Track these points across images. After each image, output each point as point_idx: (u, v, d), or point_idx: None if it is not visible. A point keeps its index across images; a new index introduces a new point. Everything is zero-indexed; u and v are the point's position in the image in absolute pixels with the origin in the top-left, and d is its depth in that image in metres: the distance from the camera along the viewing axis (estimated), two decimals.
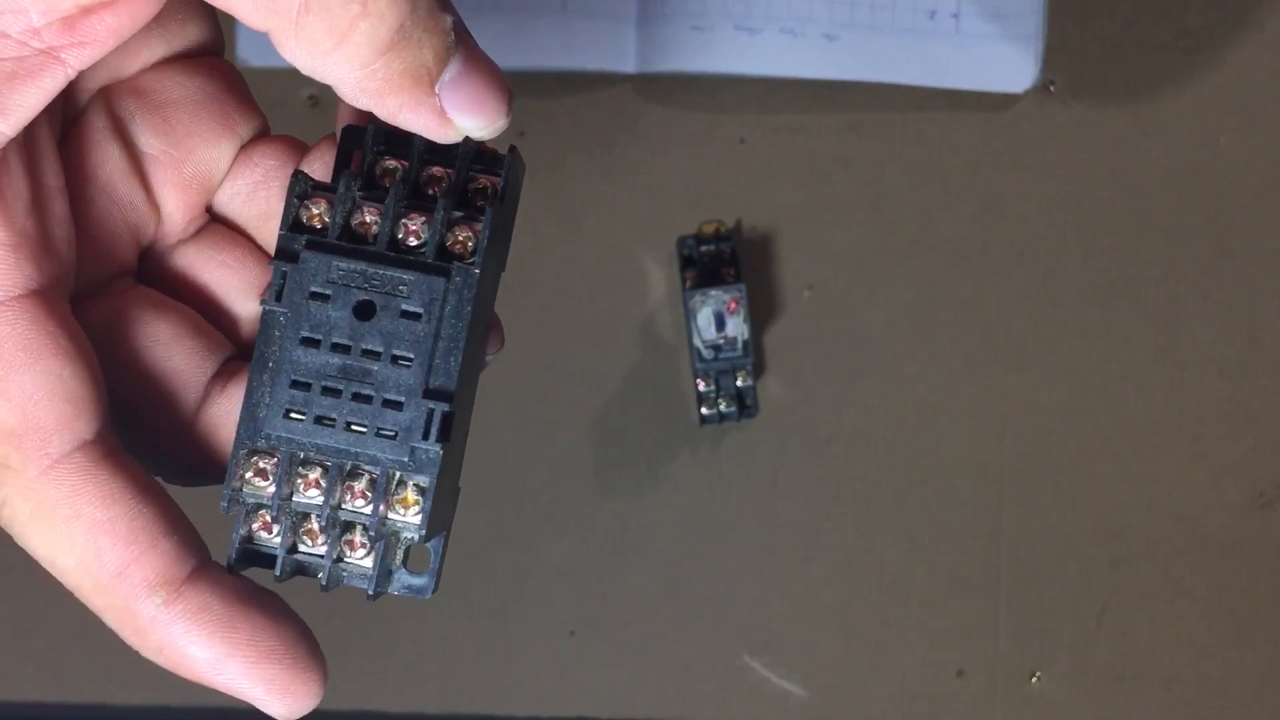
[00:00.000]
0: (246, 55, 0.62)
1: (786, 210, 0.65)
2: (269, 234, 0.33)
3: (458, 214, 0.31)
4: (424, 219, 0.31)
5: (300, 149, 0.33)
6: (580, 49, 0.64)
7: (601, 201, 0.65)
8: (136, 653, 0.31)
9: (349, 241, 0.31)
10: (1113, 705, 0.65)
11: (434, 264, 0.31)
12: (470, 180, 0.32)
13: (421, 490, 0.31)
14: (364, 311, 0.31)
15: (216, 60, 0.33)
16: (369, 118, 0.31)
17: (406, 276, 0.31)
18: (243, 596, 0.31)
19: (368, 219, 0.31)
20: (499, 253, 0.33)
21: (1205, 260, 0.64)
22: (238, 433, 0.31)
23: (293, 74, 0.30)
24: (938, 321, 0.64)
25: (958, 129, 0.64)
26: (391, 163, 0.32)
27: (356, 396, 0.30)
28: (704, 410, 0.63)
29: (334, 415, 0.30)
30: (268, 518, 0.31)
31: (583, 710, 0.65)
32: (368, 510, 0.31)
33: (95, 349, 0.30)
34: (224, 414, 0.32)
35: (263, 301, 0.31)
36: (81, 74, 0.29)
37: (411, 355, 0.30)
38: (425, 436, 0.30)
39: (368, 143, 0.32)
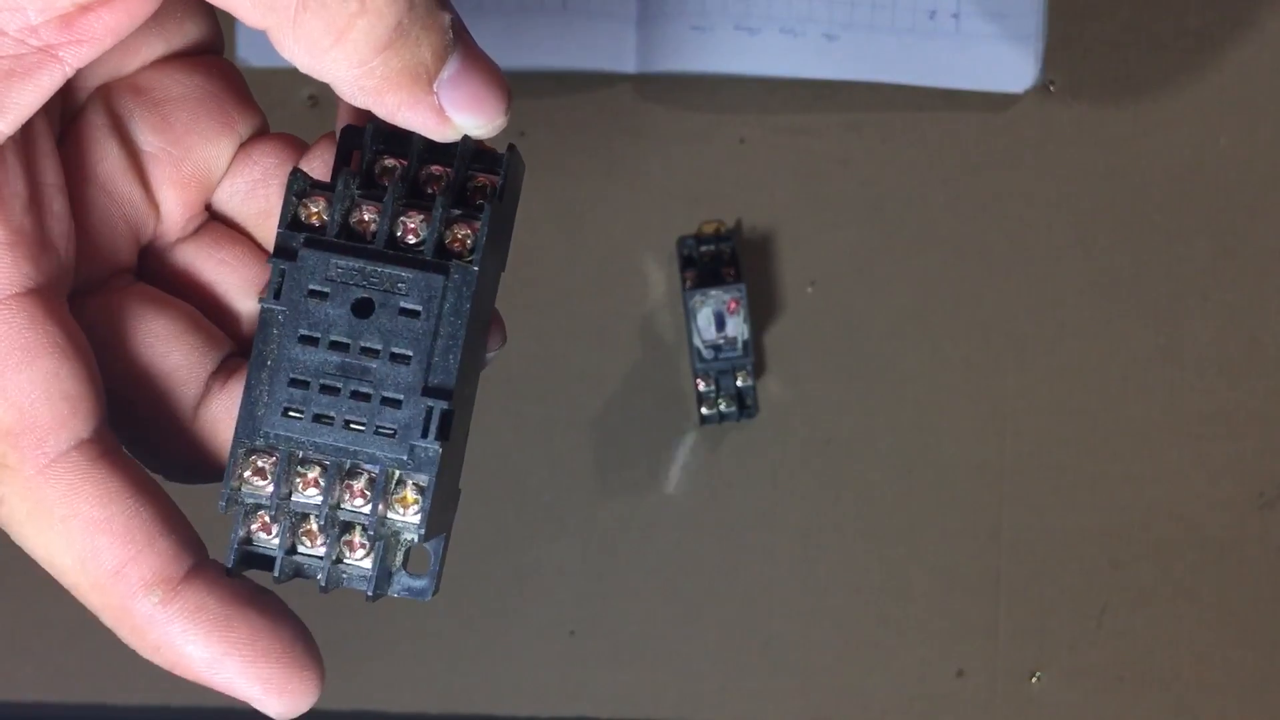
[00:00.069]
0: (246, 55, 0.62)
1: (786, 210, 0.65)
2: (268, 232, 0.33)
3: (456, 212, 0.31)
4: (423, 217, 0.31)
5: (299, 147, 0.33)
6: (580, 49, 0.64)
7: (601, 201, 0.65)
8: (136, 653, 0.31)
9: (348, 239, 0.31)
10: (1113, 705, 0.64)
11: (433, 261, 0.31)
12: (469, 179, 0.32)
13: (421, 489, 0.31)
14: (363, 309, 0.31)
15: (215, 59, 0.33)
16: (368, 117, 0.31)
17: (405, 274, 0.31)
18: (240, 596, 0.31)
19: (366, 217, 0.31)
20: (499, 251, 0.33)
21: (1205, 260, 0.64)
22: (236, 431, 0.31)
23: (293, 73, 0.30)
24: (938, 321, 0.64)
25: (958, 129, 0.64)
26: (390, 161, 0.32)
27: (355, 394, 0.30)
28: (704, 410, 0.63)
29: (332, 413, 0.30)
30: (266, 518, 0.31)
31: (583, 710, 0.65)
32: (366, 510, 0.31)
33: (94, 346, 0.30)
34: (223, 411, 0.32)
35: (261, 299, 0.31)
36: (80, 72, 0.29)
37: (410, 353, 0.30)
38: (424, 434, 0.30)
39: (366, 142, 0.32)
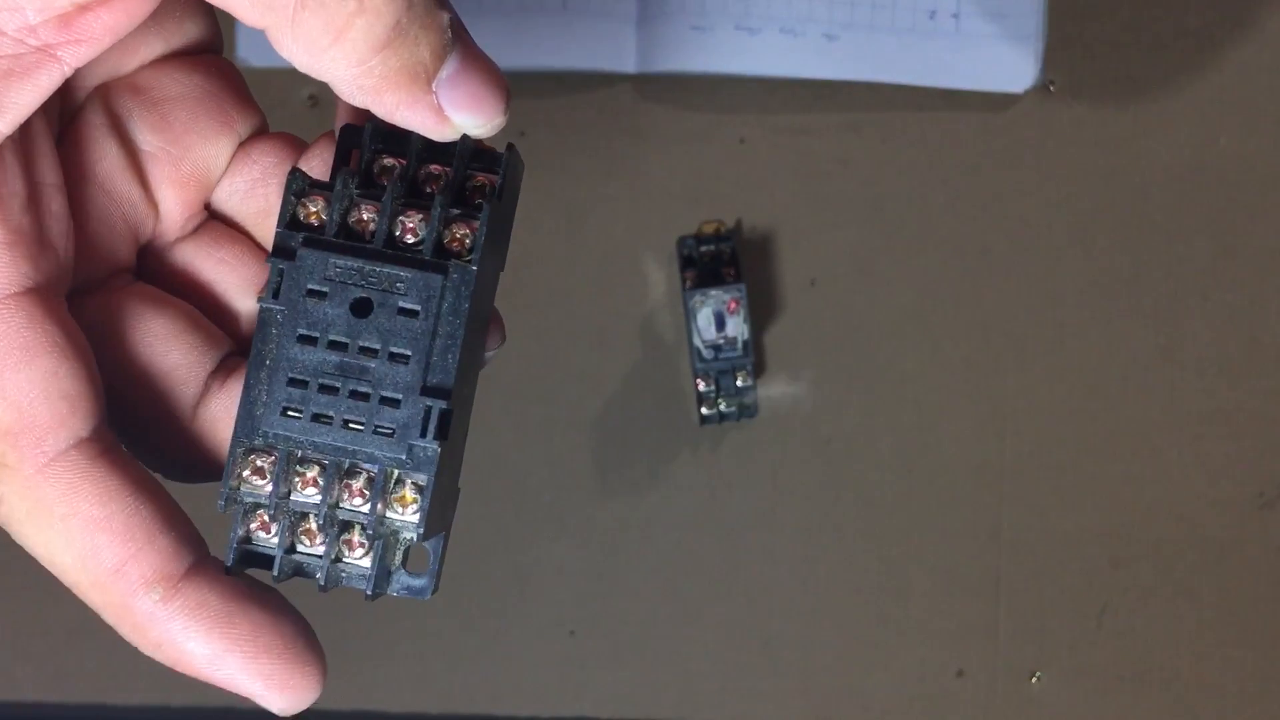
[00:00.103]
0: (246, 55, 0.62)
1: (786, 210, 0.65)
2: (267, 231, 0.33)
3: (455, 211, 0.31)
4: (421, 216, 0.31)
5: (298, 146, 0.33)
6: (580, 49, 0.64)
7: (601, 201, 0.65)
8: (136, 653, 0.31)
9: (346, 239, 0.31)
10: (1113, 705, 0.64)
11: (431, 261, 0.31)
12: (468, 178, 0.32)
13: (419, 488, 0.31)
14: (361, 309, 0.31)
15: (215, 58, 0.33)
16: (367, 117, 0.31)
17: (404, 273, 0.31)
18: (241, 592, 0.31)
19: (365, 216, 0.31)
20: (498, 251, 0.33)
21: (1205, 260, 0.64)
22: (235, 431, 0.31)
23: (293, 73, 0.30)
24: (938, 321, 0.64)
25: (958, 129, 0.64)
26: (389, 161, 0.32)
27: (354, 394, 0.30)
28: (704, 410, 0.63)
29: (331, 413, 0.30)
30: (265, 517, 0.31)
31: (583, 710, 0.65)
32: (365, 509, 0.31)
33: (93, 345, 0.31)
34: (223, 410, 0.32)
35: (260, 299, 0.31)
36: (79, 71, 0.29)
37: (409, 352, 0.30)
38: (423, 434, 0.30)
39: (365, 141, 0.32)
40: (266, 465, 0.31)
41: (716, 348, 0.61)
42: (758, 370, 0.64)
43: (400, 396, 0.30)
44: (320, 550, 0.31)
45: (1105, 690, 0.64)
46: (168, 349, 0.32)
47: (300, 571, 0.32)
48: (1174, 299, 0.64)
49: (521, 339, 0.64)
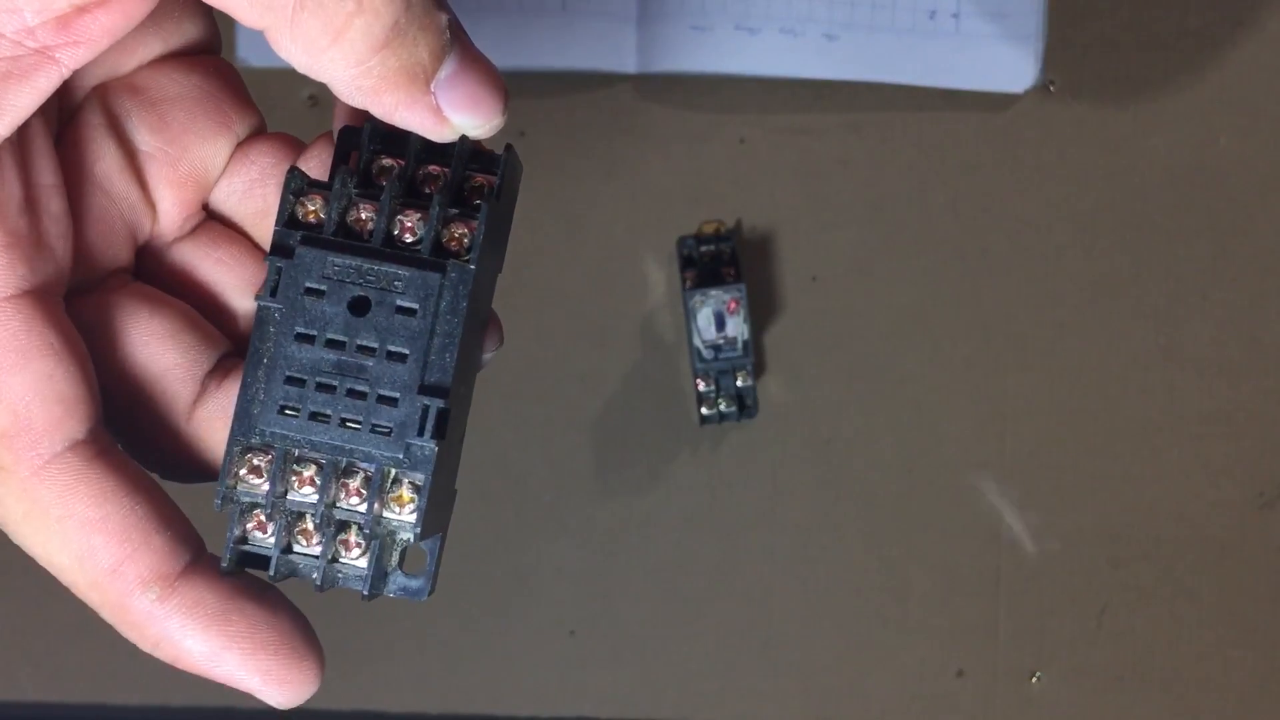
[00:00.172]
0: (246, 55, 0.62)
1: (786, 210, 0.65)
2: (265, 231, 0.33)
3: (453, 211, 0.31)
4: (420, 215, 0.31)
5: (297, 147, 0.34)
6: (580, 49, 0.64)
7: (601, 201, 0.65)
8: (136, 653, 0.31)
9: (345, 238, 0.31)
10: (1113, 705, 0.64)
11: (429, 260, 0.31)
12: (467, 179, 0.32)
13: (417, 488, 0.31)
14: (359, 307, 0.31)
15: (213, 58, 0.33)
16: (366, 117, 0.31)
17: (402, 272, 0.31)
18: (237, 589, 0.31)
19: (363, 215, 0.31)
20: (496, 251, 0.33)
21: (1205, 260, 0.64)
22: (232, 429, 0.31)
23: (293, 74, 0.30)
24: (938, 321, 0.64)
25: (958, 129, 0.64)
26: (388, 161, 0.32)
27: (351, 392, 0.30)
28: (704, 410, 0.63)
29: (328, 411, 0.30)
30: (262, 517, 0.31)
31: (583, 710, 0.65)
32: (362, 508, 0.31)
33: (91, 345, 0.31)
34: (220, 410, 0.32)
35: (258, 297, 0.31)
36: (77, 71, 0.29)
37: (407, 351, 0.30)
38: (420, 433, 0.30)
39: (364, 141, 0.32)
40: (263, 464, 0.31)
41: (716, 348, 0.61)
42: (758, 370, 0.64)
43: (398, 395, 0.30)
44: (317, 550, 0.31)
45: (1105, 690, 0.64)
46: (165, 349, 0.32)
47: (296, 572, 0.32)
48: (1174, 299, 0.64)
49: (521, 339, 0.64)
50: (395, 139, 0.32)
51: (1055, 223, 0.64)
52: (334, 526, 0.31)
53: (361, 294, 0.31)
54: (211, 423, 0.32)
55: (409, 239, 0.31)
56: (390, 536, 0.32)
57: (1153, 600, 0.64)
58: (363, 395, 0.30)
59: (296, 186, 0.31)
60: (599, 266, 0.65)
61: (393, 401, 0.30)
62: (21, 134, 0.29)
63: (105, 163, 0.32)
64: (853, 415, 0.65)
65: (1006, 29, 0.63)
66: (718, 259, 0.63)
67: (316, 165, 0.33)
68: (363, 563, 0.31)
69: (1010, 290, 0.64)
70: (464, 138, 0.31)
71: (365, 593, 0.32)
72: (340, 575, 0.32)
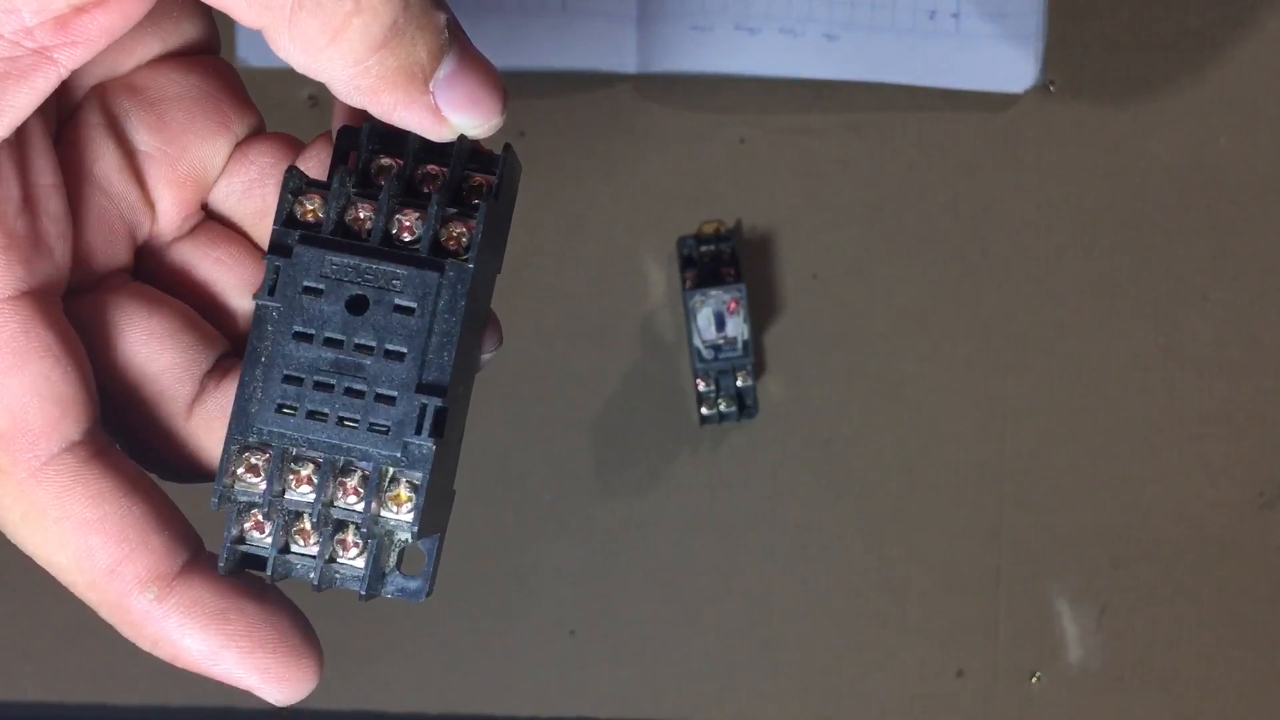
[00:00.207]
0: (246, 55, 0.62)
1: (786, 210, 0.65)
2: (264, 231, 0.33)
3: (452, 210, 0.31)
4: (418, 215, 0.31)
5: (295, 146, 0.34)
6: (580, 49, 0.64)
7: (601, 201, 0.65)
8: (136, 653, 0.31)
9: (343, 237, 0.31)
10: (1113, 705, 0.64)
11: (428, 259, 0.31)
12: (465, 178, 0.32)
13: (414, 487, 0.31)
14: (357, 306, 0.31)
15: (212, 58, 0.33)
16: (365, 117, 0.31)
17: (400, 271, 0.31)
18: (235, 587, 0.31)
19: (362, 215, 0.31)
20: (495, 251, 0.33)
21: (1205, 260, 0.64)
22: (229, 428, 0.31)
23: (292, 74, 0.30)
24: (938, 321, 0.64)
25: (958, 129, 0.64)
26: (386, 161, 0.32)
27: (349, 391, 0.30)
28: (704, 410, 0.63)
29: (326, 410, 0.30)
30: (259, 516, 0.31)
31: (583, 710, 0.65)
32: (360, 507, 0.31)
33: (89, 344, 0.31)
34: (218, 410, 0.32)
35: (256, 296, 0.31)
36: (76, 71, 0.29)
37: (404, 350, 0.30)
38: (418, 432, 0.30)
39: (363, 141, 0.32)
40: (261, 463, 0.31)
41: (716, 348, 0.61)
42: (758, 370, 0.64)
43: (395, 394, 0.30)
44: (314, 550, 0.31)
45: (1105, 690, 0.64)
46: (163, 348, 0.32)
47: (294, 572, 0.32)
48: (1174, 299, 0.64)
49: (521, 339, 0.64)
50: (394, 138, 0.32)
51: (1055, 223, 0.64)
52: (331, 526, 0.31)
53: (360, 293, 0.31)
54: (210, 422, 0.32)
55: (407, 238, 0.31)
56: (388, 536, 0.32)
57: (1153, 600, 0.64)
58: (360, 394, 0.30)
59: (295, 186, 0.31)
60: (599, 266, 0.65)
61: (390, 400, 0.30)
62: (20, 134, 0.29)
63: (104, 162, 0.32)
64: (853, 415, 0.65)
65: (1006, 29, 0.63)
66: (718, 259, 0.63)
67: (315, 165, 0.33)
68: (360, 563, 0.31)
69: (1010, 290, 0.64)
70: (462, 137, 0.31)
71: (362, 593, 0.32)
72: (338, 575, 0.32)
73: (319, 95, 0.64)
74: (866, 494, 0.64)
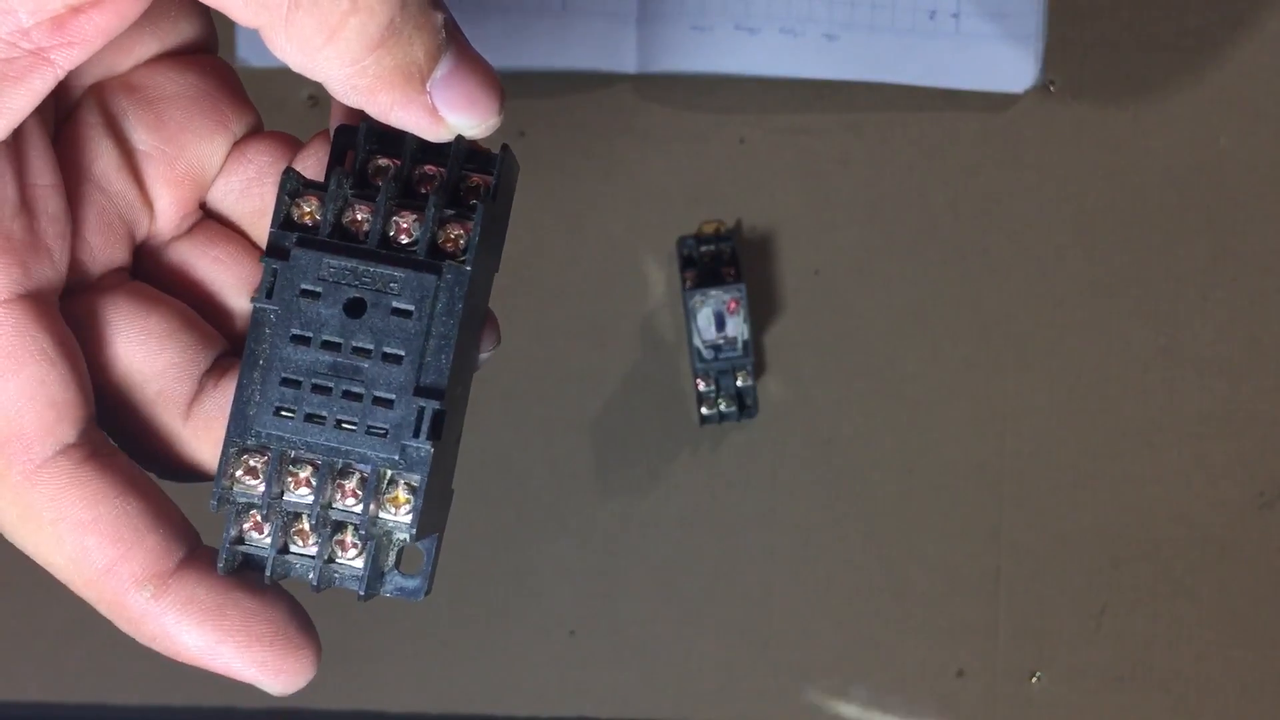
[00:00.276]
0: (246, 55, 0.62)
1: (786, 210, 0.65)
2: (262, 230, 0.33)
3: (449, 212, 0.31)
4: (415, 216, 0.31)
5: (294, 146, 0.34)
6: (580, 49, 0.64)
7: (601, 201, 0.65)
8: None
9: (340, 239, 0.31)
10: (1113, 705, 0.64)
11: (425, 261, 0.31)
12: (463, 179, 0.32)
13: (412, 489, 0.31)
14: (355, 309, 0.31)
15: (210, 57, 0.33)
16: (362, 117, 0.31)
17: (397, 274, 0.31)
18: (232, 583, 0.31)
19: (359, 216, 0.31)
20: (492, 252, 0.33)
21: (1205, 260, 0.64)
22: (228, 430, 0.31)
23: (292, 74, 0.30)
24: (938, 321, 0.64)
25: (958, 129, 0.64)
26: (384, 161, 0.32)
27: (347, 394, 0.30)
28: (704, 410, 0.63)
29: (324, 413, 0.30)
30: (258, 517, 0.31)
31: (583, 710, 0.65)
32: (358, 509, 0.31)
33: (88, 344, 0.31)
34: (216, 410, 0.32)
35: (253, 299, 0.31)
36: (74, 70, 0.29)
37: (402, 353, 0.30)
38: (416, 434, 0.30)
39: (360, 141, 0.32)
40: (259, 465, 0.31)
41: (716, 348, 0.61)
42: (758, 370, 0.64)
43: (393, 397, 0.30)
44: (313, 551, 0.31)
45: (1105, 690, 0.64)
46: (162, 347, 0.32)
47: (293, 572, 0.32)
48: (1174, 299, 0.64)
49: (521, 339, 0.64)
50: (391, 139, 0.32)
51: (1055, 223, 0.64)
52: (330, 527, 0.31)
53: (357, 296, 0.31)
54: (208, 422, 0.32)
55: (405, 240, 0.31)
56: (386, 537, 0.32)
57: (1153, 600, 0.64)
58: (358, 397, 0.30)
59: (292, 187, 0.31)
60: (599, 266, 0.65)
61: (388, 403, 0.30)
62: (17, 135, 0.29)
63: (103, 162, 0.32)
64: (853, 415, 0.65)
65: (1006, 29, 0.63)
66: (718, 259, 0.63)
67: (313, 164, 0.33)
68: (359, 563, 0.32)
69: (1010, 290, 0.64)
70: (460, 137, 0.31)
71: (361, 593, 0.32)
72: (336, 575, 0.32)
73: (319, 95, 0.64)
74: (866, 494, 0.64)
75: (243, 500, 0.31)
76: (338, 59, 0.29)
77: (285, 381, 0.31)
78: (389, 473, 0.31)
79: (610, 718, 0.65)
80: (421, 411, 0.30)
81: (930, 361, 0.64)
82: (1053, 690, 0.64)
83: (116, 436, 0.32)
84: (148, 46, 0.32)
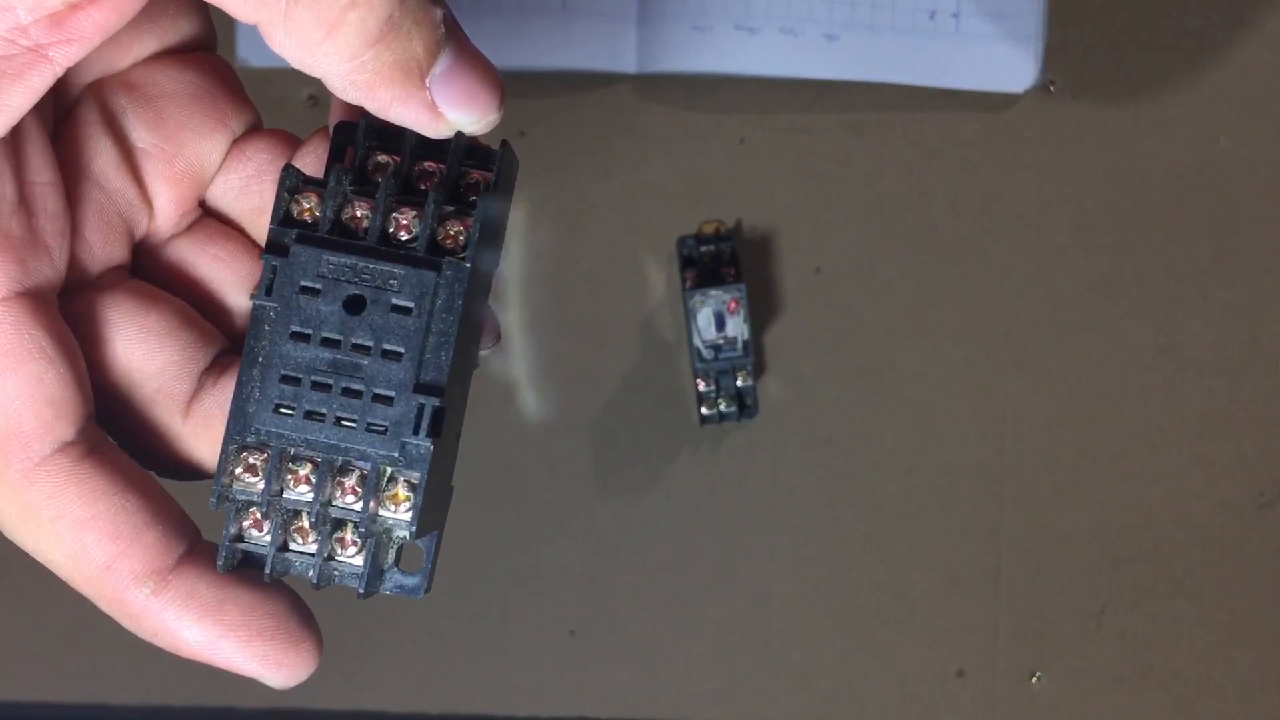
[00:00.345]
0: (246, 55, 0.62)
1: (786, 210, 0.65)
2: (262, 228, 0.33)
3: (449, 208, 0.31)
4: (415, 213, 0.31)
5: (293, 143, 0.33)
6: (580, 49, 0.64)
7: (601, 201, 0.65)
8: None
9: (340, 236, 0.31)
10: (1113, 705, 0.64)
11: (425, 258, 0.31)
12: (462, 175, 0.32)
13: (412, 486, 0.31)
14: (354, 306, 0.31)
15: (209, 55, 0.33)
16: (361, 114, 0.31)
17: (397, 270, 0.30)
18: (232, 578, 0.31)
19: (358, 213, 0.31)
20: (492, 248, 0.33)
21: (1205, 260, 0.64)
22: (227, 428, 0.31)
23: (292, 73, 0.30)
24: (938, 321, 0.64)
25: (958, 129, 0.64)
26: (383, 158, 0.32)
27: (346, 391, 0.30)
28: (704, 410, 0.63)
29: (324, 410, 0.30)
30: (258, 515, 0.31)
31: (583, 710, 0.65)
32: (358, 506, 0.31)
33: (87, 342, 0.31)
34: (216, 408, 0.32)
35: (253, 296, 0.31)
36: (73, 68, 0.29)
37: (402, 350, 0.30)
38: (416, 431, 0.30)
39: (359, 138, 0.32)
40: (259, 463, 0.31)
41: (716, 348, 0.61)
42: (758, 370, 0.64)
43: (393, 394, 0.30)
44: (312, 548, 0.31)
45: (1105, 690, 0.64)
46: (161, 345, 0.32)
47: (292, 570, 0.32)
48: (1174, 299, 0.64)
49: (521, 339, 0.64)
50: (391, 135, 0.32)
51: (1055, 223, 0.64)
52: (329, 524, 0.31)
53: (357, 292, 0.31)
54: (208, 420, 0.32)
55: (404, 236, 0.31)
56: (386, 534, 0.31)
57: (1153, 600, 0.64)
58: (358, 394, 0.30)
59: (291, 184, 0.31)
60: (599, 266, 0.65)
61: (388, 400, 0.30)
62: (16, 133, 0.29)
63: (102, 159, 0.32)
64: (853, 415, 0.64)
65: (1006, 29, 0.63)
66: (718, 259, 0.63)
67: (312, 161, 0.33)
68: (359, 560, 0.31)
69: (1010, 290, 0.64)
70: (460, 134, 0.31)
71: (361, 590, 0.32)
72: (336, 573, 0.32)
73: (319, 95, 0.64)
74: (866, 494, 0.64)
75: (242, 498, 0.31)
76: (336, 54, 0.29)
77: (285, 379, 0.30)
78: (389, 470, 0.31)
79: (610, 718, 0.65)
80: (421, 408, 0.30)
81: (930, 361, 0.64)
82: (1053, 690, 0.64)
83: (116, 435, 0.32)
84: (146, 44, 0.32)
